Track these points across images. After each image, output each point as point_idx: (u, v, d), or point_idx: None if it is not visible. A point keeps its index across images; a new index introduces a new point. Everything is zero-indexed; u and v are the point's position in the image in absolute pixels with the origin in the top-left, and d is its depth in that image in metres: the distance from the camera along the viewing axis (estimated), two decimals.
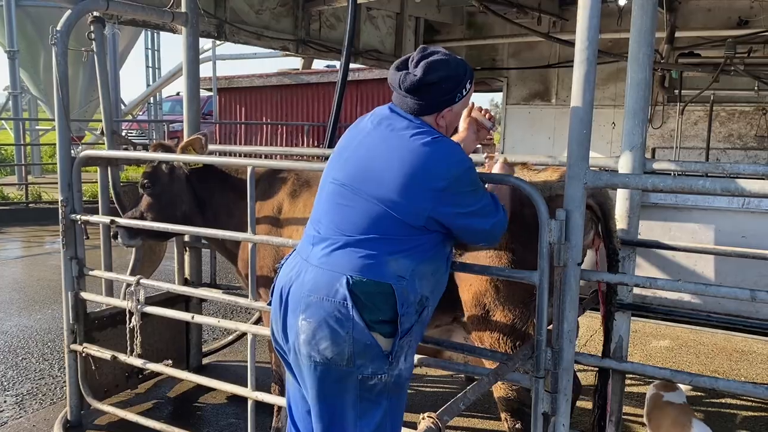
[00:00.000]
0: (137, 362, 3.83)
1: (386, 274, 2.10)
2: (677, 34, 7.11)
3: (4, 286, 7.35)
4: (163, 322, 4.33)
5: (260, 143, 16.96)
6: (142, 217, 3.78)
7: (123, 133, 15.81)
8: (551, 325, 2.44)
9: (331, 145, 4.33)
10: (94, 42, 4.34)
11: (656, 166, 3.32)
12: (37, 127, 18.16)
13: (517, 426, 2.88)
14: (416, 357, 2.48)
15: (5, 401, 4.39)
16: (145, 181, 3.78)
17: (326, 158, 2.42)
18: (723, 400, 4.33)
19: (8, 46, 15.44)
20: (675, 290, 4.55)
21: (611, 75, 8.33)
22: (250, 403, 3.38)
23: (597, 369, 2.95)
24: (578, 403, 3.14)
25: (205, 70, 16.78)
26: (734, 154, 8.37)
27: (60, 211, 3.82)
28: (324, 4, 6.70)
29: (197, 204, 3.80)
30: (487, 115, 2.58)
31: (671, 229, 5.53)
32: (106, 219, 3.88)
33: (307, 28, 6.93)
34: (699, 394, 4.40)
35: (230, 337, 5.33)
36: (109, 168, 4.34)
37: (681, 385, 3.29)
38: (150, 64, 19.44)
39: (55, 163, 3.88)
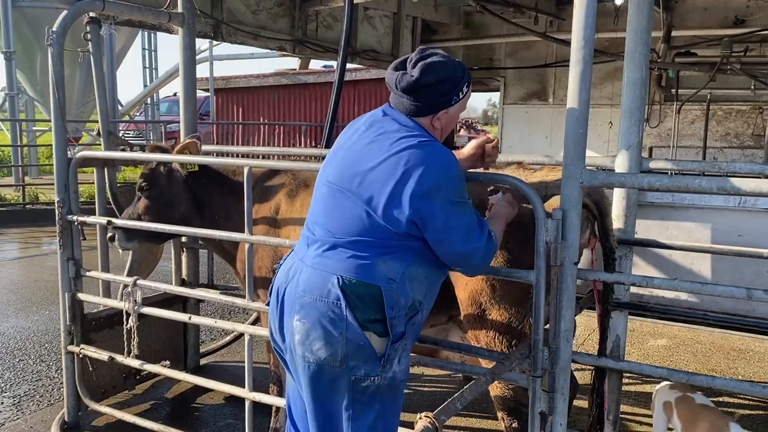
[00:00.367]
0: (134, 363, 3.83)
1: (375, 275, 2.08)
2: (674, 33, 7.12)
3: (0, 288, 7.34)
4: (160, 323, 4.33)
5: (257, 143, 16.96)
6: (138, 220, 3.77)
7: (120, 134, 15.80)
8: (548, 325, 2.44)
9: (328, 145, 4.31)
10: (90, 43, 4.34)
11: (653, 165, 3.30)
12: (34, 128, 18.11)
13: (514, 425, 2.88)
14: (413, 356, 2.48)
15: (2, 403, 4.39)
16: (144, 183, 3.76)
17: (323, 158, 2.41)
18: (720, 399, 4.33)
19: (5, 47, 15.39)
20: (672, 289, 4.55)
21: (608, 74, 8.34)
22: (247, 403, 3.38)
23: (594, 368, 2.95)
24: (575, 402, 3.13)
25: (202, 71, 16.83)
26: (731, 153, 8.38)
27: (57, 212, 3.82)
28: (321, 4, 6.69)
29: (195, 206, 3.79)
30: (494, 152, 2.52)
31: (668, 228, 5.53)
32: (103, 220, 3.87)
33: (304, 28, 6.92)
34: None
35: (228, 338, 5.33)
36: (105, 169, 4.34)
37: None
38: (147, 65, 19.40)
39: (52, 164, 3.86)
